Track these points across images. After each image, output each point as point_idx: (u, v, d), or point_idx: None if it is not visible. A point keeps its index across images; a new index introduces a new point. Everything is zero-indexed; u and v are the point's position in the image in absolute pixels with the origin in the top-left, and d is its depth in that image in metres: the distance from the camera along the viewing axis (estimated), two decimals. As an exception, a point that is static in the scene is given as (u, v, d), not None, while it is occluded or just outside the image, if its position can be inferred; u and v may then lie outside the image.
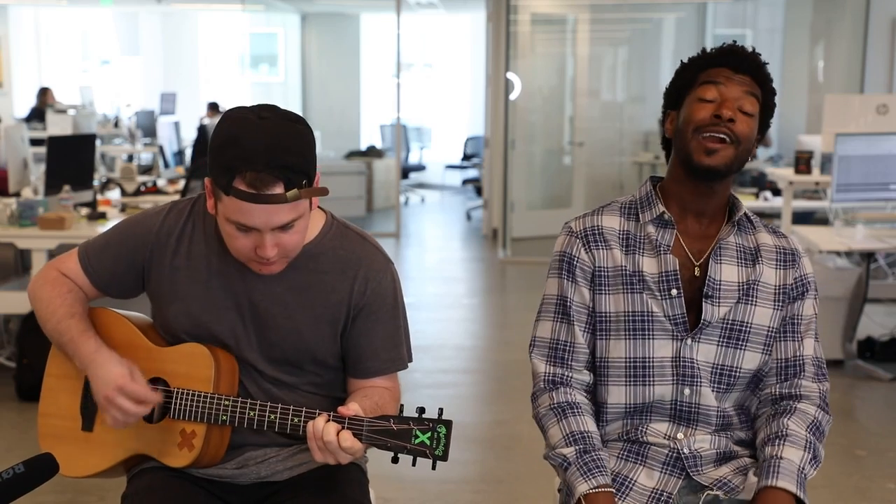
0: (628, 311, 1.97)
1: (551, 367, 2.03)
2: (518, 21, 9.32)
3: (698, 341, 1.96)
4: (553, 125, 10.19)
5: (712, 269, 1.98)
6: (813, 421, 1.98)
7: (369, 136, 14.08)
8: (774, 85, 2.01)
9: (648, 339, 1.97)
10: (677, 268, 1.97)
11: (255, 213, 1.76)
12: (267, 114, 1.79)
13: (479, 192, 11.61)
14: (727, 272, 1.99)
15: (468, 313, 7.04)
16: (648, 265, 1.98)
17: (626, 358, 1.98)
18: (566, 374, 2.02)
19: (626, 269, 1.99)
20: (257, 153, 1.73)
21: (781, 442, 1.93)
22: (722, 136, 1.91)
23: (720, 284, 1.98)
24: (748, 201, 7.15)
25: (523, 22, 9.44)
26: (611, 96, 10.30)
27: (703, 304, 1.96)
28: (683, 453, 1.97)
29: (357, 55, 14.35)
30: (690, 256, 2.00)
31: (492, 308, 7.25)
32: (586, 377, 2.03)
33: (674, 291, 1.96)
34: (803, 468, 1.91)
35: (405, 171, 12.50)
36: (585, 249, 2.02)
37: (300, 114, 1.87)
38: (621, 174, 9.68)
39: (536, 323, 2.07)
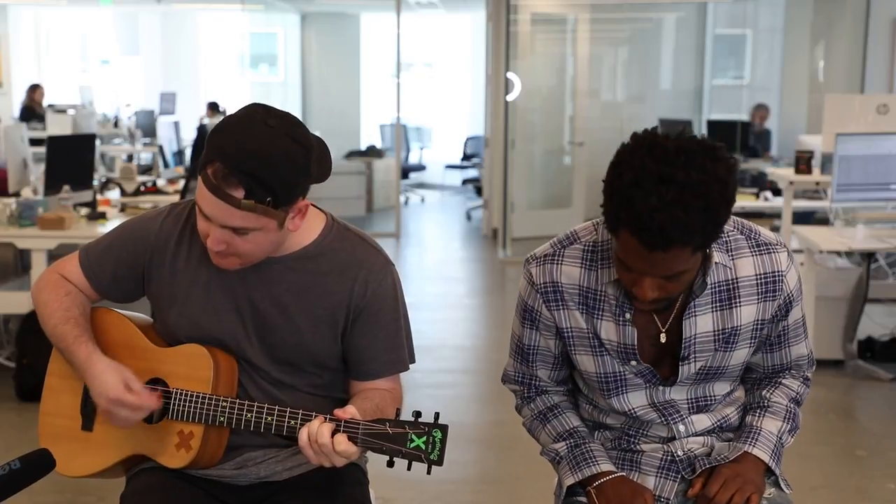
0: (599, 372, 1.94)
1: (524, 388, 2.09)
2: (518, 21, 9.32)
3: (670, 385, 1.94)
4: (553, 125, 10.18)
5: (687, 328, 1.87)
6: (795, 396, 2.03)
7: (369, 136, 14.06)
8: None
9: (623, 394, 1.95)
10: (635, 341, 1.88)
11: (208, 203, 1.77)
12: (274, 122, 1.78)
13: (479, 192, 11.61)
14: (702, 323, 1.88)
15: (468, 313, 7.04)
16: (607, 331, 1.89)
17: (612, 407, 1.99)
18: (540, 387, 2.07)
19: (589, 332, 1.92)
20: (236, 151, 1.74)
21: (762, 413, 1.99)
22: (648, 307, 1.81)
23: (695, 339, 1.89)
24: (748, 201, 7.14)
25: (523, 22, 9.43)
26: (611, 96, 10.31)
27: (681, 366, 1.90)
28: (678, 456, 1.97)
29: (357, 55, 14.34)
30: (656, 320, 1.88)
31: (492, 308, 7.25)
32: (561, 388, 2.08)
33: (633, 363, 1.90)
34: (781, 437, 1.97)
35: (405, 171, 12.49)
36: (546, 308, 1.93)
37: (300, 114, 1.86)
38: (621, 174, 9.64)
39: (509, 353, 2.09)
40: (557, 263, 1.93)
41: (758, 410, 2.00)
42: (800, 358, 2.03)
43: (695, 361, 1.91)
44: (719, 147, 1.70)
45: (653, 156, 1.66)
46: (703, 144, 1.69)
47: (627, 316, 1.88)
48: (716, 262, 1.86)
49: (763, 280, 1.89)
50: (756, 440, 1.95)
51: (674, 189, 1.62)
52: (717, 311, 1.88)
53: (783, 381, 2.04)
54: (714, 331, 1.89)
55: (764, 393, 2.02)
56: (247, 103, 1.85)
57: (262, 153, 1.74)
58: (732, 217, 1.90)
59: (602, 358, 1.92)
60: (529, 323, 1.99)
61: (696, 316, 1.88)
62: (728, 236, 1.89)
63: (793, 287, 1.93)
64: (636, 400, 1.95)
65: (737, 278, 1.88)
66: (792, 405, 2.01)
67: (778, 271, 1.90)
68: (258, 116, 1.78)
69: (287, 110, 1.87)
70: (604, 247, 1.90)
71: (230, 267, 1.89)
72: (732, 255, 1.88)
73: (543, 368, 2.02)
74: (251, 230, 1.79)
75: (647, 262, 1.69)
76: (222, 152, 1.74)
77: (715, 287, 1.87)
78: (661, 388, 1.94)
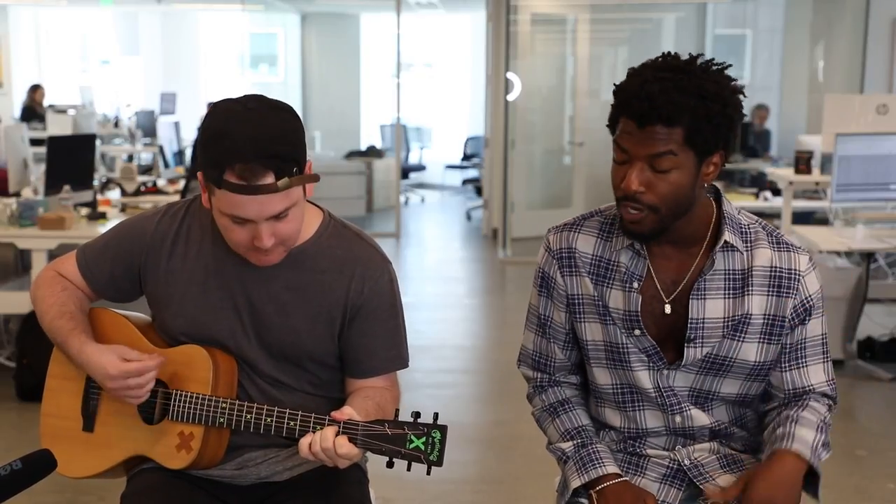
0: (606, 341, 1.93)
1: (538, 374, 2.08)
2: (518, 21, 9.32)
3: (675, 369, 1.91)
4: (553, 125, 10.18)
5: (694, 309, 1.85)
6: (823, 418, 1.91)
7: (369, 136, 14.07)
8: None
9: (627, 370, 1.93)
10: (639, 308, 1.87)
11: (247, 205, 1.76)
12: (253, 104, 1.79)
13: (479, 192, 11.61)
14: (711, 308, 1.86)
15: (468, 313, 7.04)
16: (615, 299, 1.90)
17: (612, 384, 1.97)
18: (552, 377, 2.06)
19: (597, 300, 1.92)
20: (246, 144, 1.73)
21: (794, 423, 1.85)
22: (634, 209, 1.78)
23: (703, 323, 1.86)
24: (748, 201, 7.14)
25: (523, 22, 9.44)
26: (611, 96, 10.30)
27: (686, 348, 1.87)
28: (685, 465, 1.95)
29: (357, 55, 14.35)
30: (661, 292, 1.88)
31: (492, 308, 7.25)
32: (573, 379, 2.07)
33: (637, 332, 1.88)
34: (817, 446, 1.84)
35: (405, 171, 12.49)
36: (560, 274, 1.96)
37: (300, 114, 1.87)
38: (621, 174, 9.65)
39: (524, 330, 2.09)
40: (576, 231, 1.96)
41: (788, 422, 1.86)
42: (820, 384, 1.92)
43: (701, 346, 1.87)
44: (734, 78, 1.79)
45: (665, 56, 1.79)
46: (721, 65, 1.79)
47: (635, 285, 1.88)
48: (726, 242, 1.85)
49: (777, 273, 1.87)
50: (792, 440, 1.81)
51: (670, 72, 1.73)
52: (729, 298, 1.86)
53: (810, 403, 1.90)
54: (724, 318, 1.86)
55: (791, 412, 1.89)
56: (205, 110, 1.84)
57: (267, 133, 1.75)
58: (755, 217, 1.94)
59: (608, 327, 1.92)
60: (545, 291, 2.00)
61: (705, 299, 1.86)
62: (749, 228, 1.90)
63: (812, 293, 1.89)
64: (641, 381, 1.92)
65: (752, 267, 1.87)
66: (822, 423, 1.88)
67: (795, 270, 1.88)
68: (237, 107, 1.79)
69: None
70: (620, 220, 1.90)
71: (275, 260, 1.88)
72: (751, 245, 1.88)
73: (557, 343, 2.01)
74: (290, 208, 1.80)
75: (635, 141, 1.75)
76: (234, 153, 1.73)
77: (729, 274, 1.87)
78: (665, 372, 1.90)
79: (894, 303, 6.06)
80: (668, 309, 1.88)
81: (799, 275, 1.88)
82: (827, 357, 1.95)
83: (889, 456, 4.13)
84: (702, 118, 1.71)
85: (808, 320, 1.90)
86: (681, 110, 1.70)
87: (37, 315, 2.02)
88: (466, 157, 13.61)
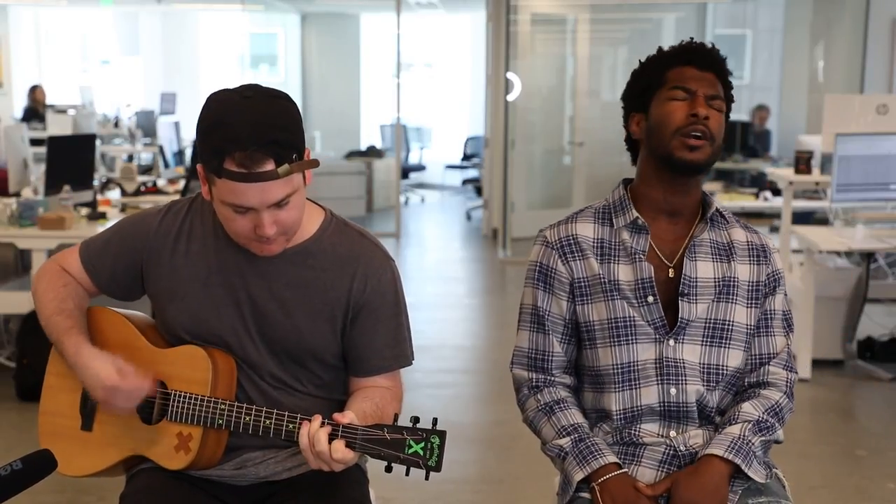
0: (610, 319, 2.00)
1: (533, 374, 2.10)
2: (518, 21, 9.32)
3: (681, 342, 1.98)
4: (553, 125, 10.18)
5: (687, 267, 2.00)
6: (773, 405, 2.02)
7: (369, 136, 14.07)
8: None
9: (632, 343, 1.98)
10: (652, 274, 1.98)
11: (248, 193, 1.76)
12: (250, 92, 1.79)
13: (479, 192, 11.61)
14: (702, 269, 2.01)
15: (468, 313, 7.04)
16: (624, 273, 2.00)
17: (612, 365, 2.00)
18: (548, 377, 2.08)
19: (602, 278, 2.00)
20: (245, 132, 1.73)
21: (728, 424, 1.98)
22: (700, 133, 1.94)
23: (696, 281, 2.00)
24: (748, 201, 7.15)
25: (523, 22, 9.43)
26: (611, 96, 10.29)
27: (680, 302, 1.98)
28: (680, 451, 1.97)
29: (357, 55, 14.34)
30: (664, 259, 2.01)
31: (492, 308, 7.25)
32: (567, 380, 2.09)
33: (650, 298, 1.98)
34: (744, 436, 1.94)
35: (405, 171, 12.49)
36: (563, 261, 2.04)
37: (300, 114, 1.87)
38: (621, 174, 9.56)
39: (517, 333, 2.13)
40: (573, 222, 2.08)
41: (726, 423, 1.99)
42: (783, 350, 2.06)
43: (695, 303, 1.98)
44: None
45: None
46: None
47: (642, 256, 2.00)
48: (717, 210, 2.05)
49: (752, 246, 2.07)
50: (711, 443, 1.94)
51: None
52: (717, 261, 2.03)
53: (763, 391, 2.02)
54: (714, 277, 2.01)
55: (740, 404, 2.01)
56: (204, 99, 1.83)
57: (265, 120, 1.75)
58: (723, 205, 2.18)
59: (614, 303, 1.99)
60: (543, 285, 2.06)
61: (696, 260, 2.01)
62: (724, 214, 2.09)
63: (779, 268, 2.08)
64: (644, 353, 1.98)
65: (731, 241, 2.06)
66: (764, 415, 1.98)
67: (766, 246, 2.09)
68: (234, 96, 1.79)
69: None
70: (616, 205, 2.06)
71: (277, 250, 1.88)
72: (727, 226, 2.08)
73: (556, 336, 2.06)
74: (291, 195, 1.80)
75: (699, 81, 1.96)
76: (233, 141, 1.73)
77: (714, 243, 2.04)
78: (670, 343, 1.97)
79: (894, 303, 6.06)
80: (671, 273, 2.01)
81: (769, 251, 2.09)
82: (787, 331, 2.09)
83: (889, 456, 4.13)
84: (728, 82, 2.02)
85: (776, 293, 2.07)
86: (724, 61, 2.01)
87: (36, 308, 2.02)
88: (466, 157, 13.61)
